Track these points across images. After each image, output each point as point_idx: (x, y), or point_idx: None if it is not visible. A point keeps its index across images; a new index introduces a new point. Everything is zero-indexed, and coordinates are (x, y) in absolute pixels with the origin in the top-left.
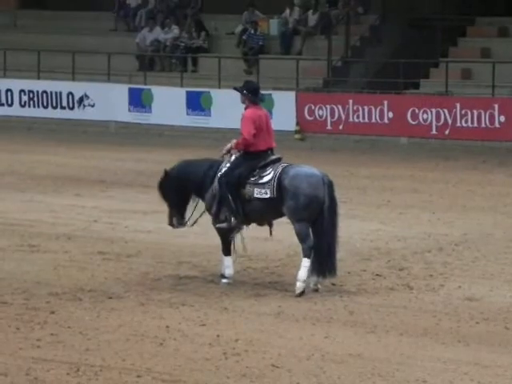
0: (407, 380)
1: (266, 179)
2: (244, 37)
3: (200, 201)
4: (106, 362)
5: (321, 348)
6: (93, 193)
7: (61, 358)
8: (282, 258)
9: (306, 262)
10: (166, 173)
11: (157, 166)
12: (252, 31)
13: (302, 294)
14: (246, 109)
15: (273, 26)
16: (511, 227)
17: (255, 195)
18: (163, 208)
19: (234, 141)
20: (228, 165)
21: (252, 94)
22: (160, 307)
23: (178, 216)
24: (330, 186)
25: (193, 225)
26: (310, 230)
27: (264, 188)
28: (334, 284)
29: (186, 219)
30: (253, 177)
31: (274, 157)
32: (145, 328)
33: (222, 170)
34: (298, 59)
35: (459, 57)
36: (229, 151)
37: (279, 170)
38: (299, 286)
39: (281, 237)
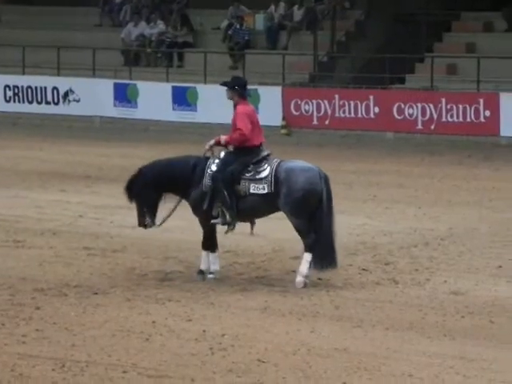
0: (393, 374)
1: (263, 174)
2: (230, 32)
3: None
4: (92, 357)
5: (307, 342)
6: (78, 188)
7: (46, 353)
8: (268, 253)
9: (308, 257)
10: (141, 171)
11: (142, 161)
12: (238, 26)
13: (303, 287)
14: (236, 104)
15: (258, 21)
16: (496, 222)
17: (251, 191)
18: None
19: (224, 137)
20: (217, 161)
21: (242, 90)
22: (146, 303)
23: (151, 216)
24: (326, 179)
25: (161, 224)
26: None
27: (261, 183)
28: (320, 279)
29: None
30: (248, 172)
31: (265, 152)
32: (131, 323)
33: (211, 166)
34: (283, 54)
35: (444, 52)
36: (211, 147)
37: (275, 165)
38: (300, 280)
39: (266, 232)
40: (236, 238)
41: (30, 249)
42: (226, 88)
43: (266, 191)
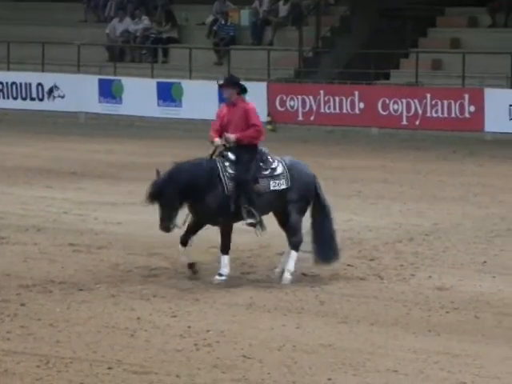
0: (378, 370)
1: (279, 170)
2: (215, 27)
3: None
4: (77, 353)
5: (292, 338)
6: (63, 184)
7: (31, 350)
8: (254, 249)
9: (294, 255)
10: (172, 176)
11: (127, 157)
12: (223, 22)
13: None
14: (234, 102)
15: (244, 17)
16: (481, 217)
17: (271, 188)
18: (133, 200)
19: (232, 135)
20: (228, 163)
21: (240, 87)
22: (131, 299)
23: (173, 219)
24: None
25: (184, 225)
26: (311, 220)
27: (280, 179)
28: (304, 274)
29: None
30: (264, 170)
31: (264, 149)
32: (116, 320)
33: (226, 169)
34: (268, 50)
35: (429, 47)
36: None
37: (281, 161)
38: (288, 277)
39: (252, 228)
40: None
41: (15, 245)
42: (225, 86)
43: (284, 186)
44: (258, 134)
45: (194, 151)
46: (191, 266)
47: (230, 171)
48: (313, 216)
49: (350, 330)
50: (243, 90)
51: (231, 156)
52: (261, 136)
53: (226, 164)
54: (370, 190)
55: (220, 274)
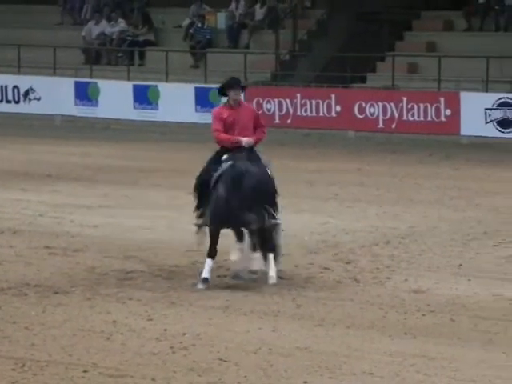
0: (354, 372)
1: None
2: (191, 30)
3: None
4: (52, 357)
5: (268, 341)
6: (39, 187)
7: (6, 353)
8: (230, 252)
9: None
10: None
11: (103, 160)
12: (199, 25)
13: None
14: (240, 104)
15: (220, 20)
16: (457, 220)
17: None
18: (108, 203)
19: (249, 139)
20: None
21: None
22: (107, 302)
23: None
24: None
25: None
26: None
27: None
28: (281, 277)
29: None
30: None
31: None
32: (91, 323)
33: (249, 169)
34: (245, 53)
35: (405, 51)
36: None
37: None
38: (274, 276)
39: (227, 231)
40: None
41: None
42: (237, 88)
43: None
44: (265, 137)
45: (170, 154)
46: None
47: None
48: None
49: (326, 333)
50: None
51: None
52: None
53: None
54: (347, 193)
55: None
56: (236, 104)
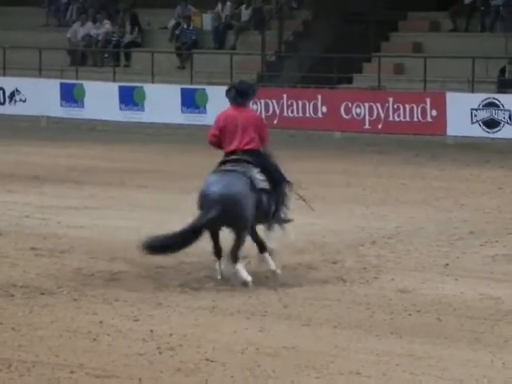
0: (341, 372)
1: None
2: (177, 31)
3: None
4: (39, 358)
5: (255, 342)
6: (25, 189)
7: None
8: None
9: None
10: None
11: (89, 161)
12: (185, 26)
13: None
14: (247, 109)
15: (206, 21)
16: (443, 221)
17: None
18: (95, 204)
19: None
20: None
21: (237, 95)
22: (93, 303)
23: None
24: None
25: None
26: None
27: None
28: (268, 277)
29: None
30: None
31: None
32: (78, 324)
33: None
34: (231, 54)
35: (391, 51)
36: None
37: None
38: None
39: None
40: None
41: None
42: (254, 92)
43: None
44: None
45: (156, 155)
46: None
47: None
48: None
49: (313, 333)
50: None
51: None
52: None
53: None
54: (333, 194)
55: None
56: (239, 108)
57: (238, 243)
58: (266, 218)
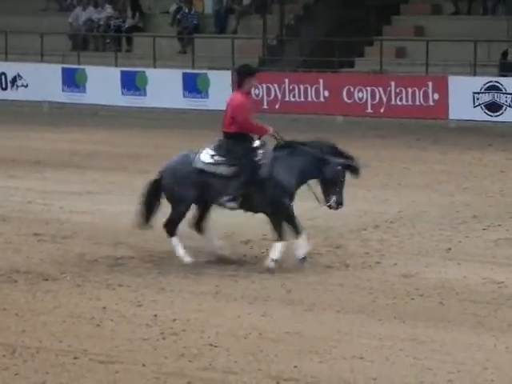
0: (344, 357)
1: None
2: (178, 16)
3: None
4: (43, 343)
5: (258, 327)
6: (27, 174)
7: None
8: (219, 238)
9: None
10: None
11: (91, 146)
12: (186, 10)
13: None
14: (249, 92)
15: (207, 5)
16: (445, 204)
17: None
18: (97, 189)
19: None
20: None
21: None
22: (96, 288)
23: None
24: None
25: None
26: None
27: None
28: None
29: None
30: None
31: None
32: (81, 309)
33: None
34: (233, 38)
35: (393, 35)
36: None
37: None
38: (271, 264)
39: (216, 217)
40: (186, 222)
41: None
42: (251, 75)
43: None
44: None
45: (158, 139)
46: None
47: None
48: None
49: (316, 318)
50: None
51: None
52: None
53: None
54: None
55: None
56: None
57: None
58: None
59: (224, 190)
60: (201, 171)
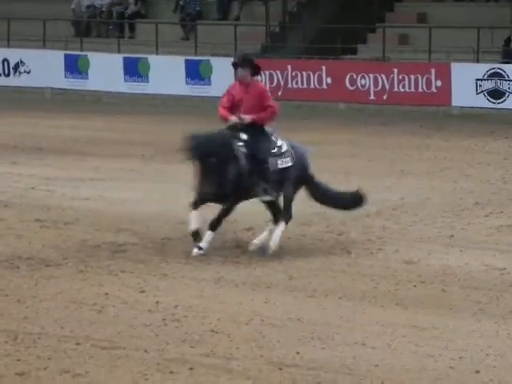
0: (346, 343)
1: (284, 148)
2: (181, 2)
3: None
4: (45, 329)
5: (260, 313)
6: (29, 160)
7: None
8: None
9: (283, 227)
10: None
11: (94, 132)
12: None
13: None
14: (249, 83)
15: None
16: (448, 191)
17: (279, 166)
18: (100, 176)
19: (248, 117)
20: (241, 143)
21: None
22: (99, 274)
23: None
24: None
25: None
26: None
27: (286, 157)
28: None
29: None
30: (272, 149)
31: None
32: (83, 295)
33: (240, 147)
34: (235, 25)
35: (396, 22)
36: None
37: (283, 139)
38: (273, 248)
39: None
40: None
41: None
42: (240, 66)
43: (290, 164)
44: (273, 116)
45: (161, 126)
46: (195, 234)
47: (243, 150)
48: (313, 196)
49: (319, 304)
50: (257, 71)
51: (243, 136)
52: (274, 118)
53: (239, 144)
54: (338, 165)
55: (199, 248)
56: (245, 82)
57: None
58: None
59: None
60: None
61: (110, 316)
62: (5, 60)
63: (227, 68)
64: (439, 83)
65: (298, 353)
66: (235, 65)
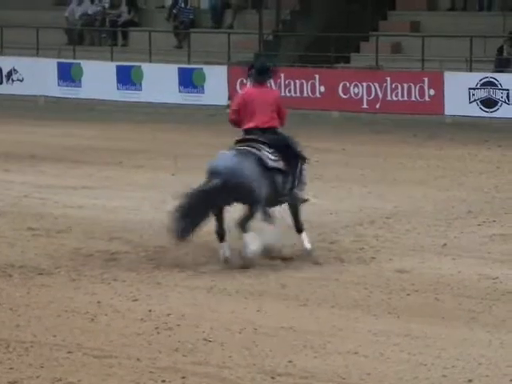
0: (339, 352)
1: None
2: (174, 10)
3: None
4: (37, 338)
5: (253, 321)
6: (22, 168)
7: None
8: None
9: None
10: None
11: (87, 140)
12: (182, 5)
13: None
14: (265, 87)
15: (203, 0)
16: (441, 200)
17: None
18: (93, 184)
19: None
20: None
21: (256, 74)
22: (91, 283)
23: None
24: None
25: None
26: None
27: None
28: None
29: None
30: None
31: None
32: (76, 304)
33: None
34: (229, 33)
35: (389, 30)
36: None
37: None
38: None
39: None
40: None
41: None
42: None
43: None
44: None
45: (154, 134)
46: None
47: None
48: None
49: (311, 313)
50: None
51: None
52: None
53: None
54: (331, 174)
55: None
56: (261, 86)
57: (247, 215)
58: (281, 197)
59: (283, 185)
60: (271, 169)
61: (102, 324)
62: None
63: (220, 76)
64: (432, 92)
65: (290, 361)
66: (252, 69)
